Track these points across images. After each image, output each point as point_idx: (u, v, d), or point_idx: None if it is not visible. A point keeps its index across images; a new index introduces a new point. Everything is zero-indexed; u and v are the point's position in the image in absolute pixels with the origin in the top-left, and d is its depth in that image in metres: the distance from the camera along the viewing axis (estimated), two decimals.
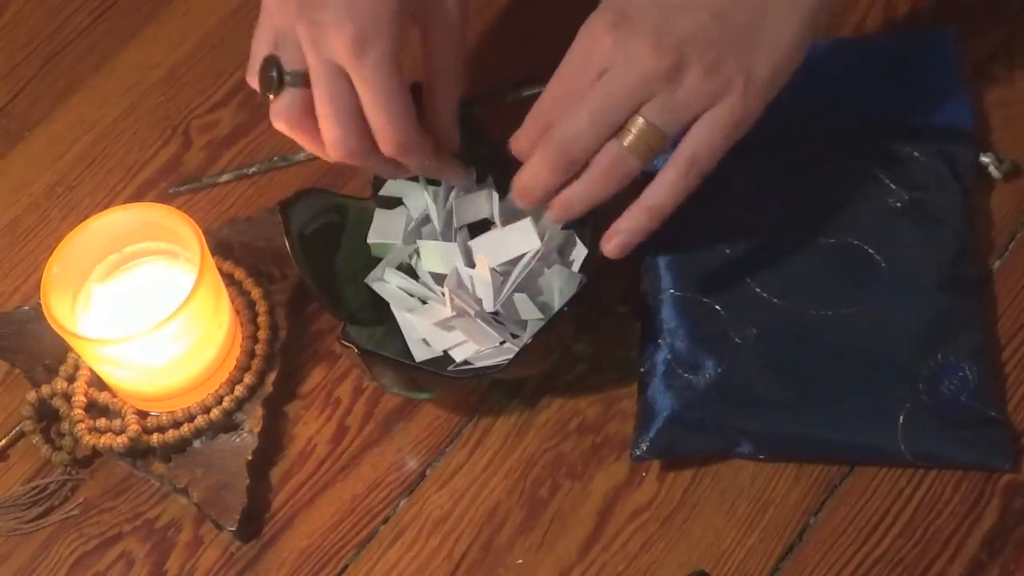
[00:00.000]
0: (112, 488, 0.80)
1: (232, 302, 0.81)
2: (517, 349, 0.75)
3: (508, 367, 0.74)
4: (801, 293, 0.78)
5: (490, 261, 0.76)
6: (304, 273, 0.77)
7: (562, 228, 0.78)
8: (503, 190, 0.79)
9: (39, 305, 0.75)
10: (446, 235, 0.79)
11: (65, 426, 0.80)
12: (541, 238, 0.77)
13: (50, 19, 0.98)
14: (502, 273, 0.77)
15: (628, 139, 0.70)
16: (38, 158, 0.92)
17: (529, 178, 0.73)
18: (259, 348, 0.81)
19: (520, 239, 0.77)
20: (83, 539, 0.79)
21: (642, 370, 0.78)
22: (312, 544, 0.77)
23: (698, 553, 0.75)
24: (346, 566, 0.77)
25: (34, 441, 0.80)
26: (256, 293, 0.83)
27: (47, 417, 0.81)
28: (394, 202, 0.81)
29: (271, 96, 0.73)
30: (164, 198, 0.89)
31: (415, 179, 0.79)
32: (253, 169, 0.90)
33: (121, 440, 0.78)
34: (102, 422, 0.79)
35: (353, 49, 0.69)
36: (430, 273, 0.79)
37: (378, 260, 0.80)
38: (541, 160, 0.72)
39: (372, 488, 0.79)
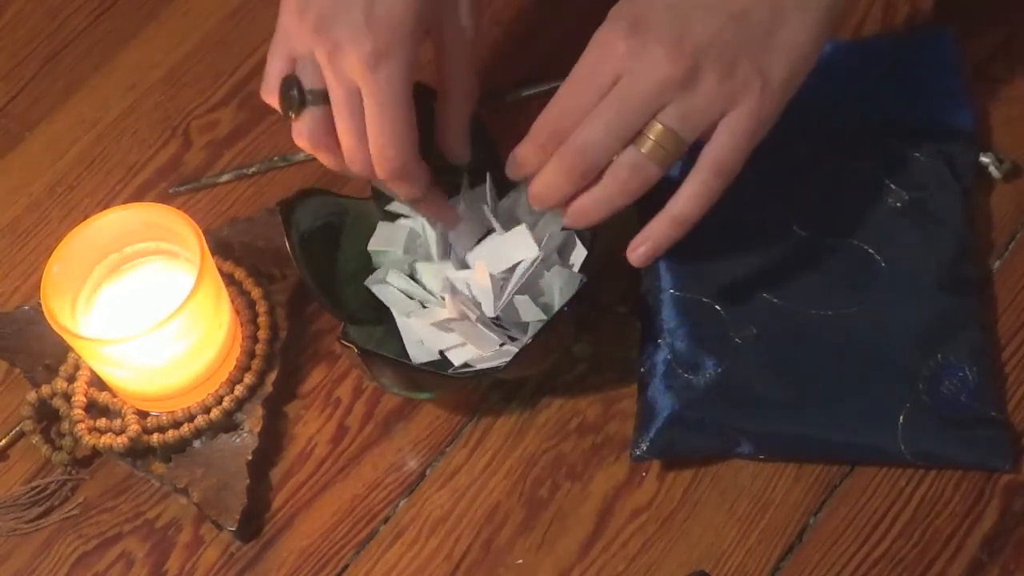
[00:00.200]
0: (112, 488, 0.80)
1: (232, 302, 0.81)
2: (517, 350, 0.75)
3: (508, 367, 0.74)
4: (801, 293, 0.78)
5: (489, 268, 0.76)
6: (304, 273, 0.77)
7: (561, 229, 0.78)
8: (502, 190, 0.79)
9: (39, 305, 0.75)
10: (444, 253, 0.79)
11: (65, 426, 0.80)
12: (539, 243, 0.76)
13: (50, 19, 0.98)
14: (501, 278, 0.77)
15: (647, 146, 0.70)
16: (38, 158, 0.93)
17: (544, 186, 0.72)
18: (259, 348, 0.81)
19: (519, 247, 0.77)
20: (83, 539, 0.79)
21: (642, 370, 0.78)
22: (312, 544, 0.77)
23: (698, 553, 0.75)
24: (346, 566, 0.77)
25: (34, 441, 0.80)
26: (256, 293, 0.83)
27: (47, 417, 0.81)
28: (397, 216, 0.81)
29: (292, 115, 0.73)
30: (164, 198, 0.89)
31: None
32: (253, 169, 0.90)
33: (121, 440, 0.78)
34: (102, 422, 0.79)
35: (368, 64, 0.69)
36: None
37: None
38: (557, 168, 0.71)
39: (372, 488, 0.79)
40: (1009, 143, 0.84)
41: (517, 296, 0.76)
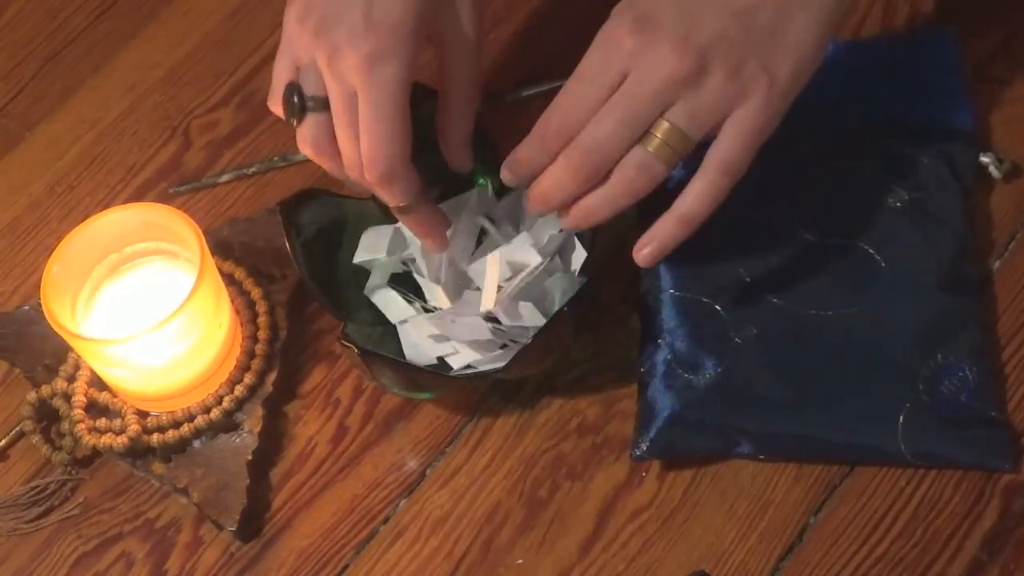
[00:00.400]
0: (112, 488, 0.80)
1: (232, 302, 0.81)
2: (517, 350, 0.75)
3: (508, 367, 0.74)
4: (801, 293, 0.78)
5: (491, 279, 0.76)
6: (304, 273, 0.77)
7: (560, 230, 0.78)
8: (498, 194, 0.79)
9: (39, 305, 0.75)
10: (436, 277, 0.79)
11: (65, 426, 0.80)
12: (539, 248, 0.76)
13: (50, 19, 0.98)
14: (502, 283, 0.77)
15: (653, 144, 0.69)
16: (38, 158, 0.93)
17: (550, 186, 0.71)
18: (259, 348, 0.81)
19: (520, 257, 0.77)
20: (83, 539, 0.79)
21: (642, 370, 0.78)
22: (312, 544, 0.77)
23: (698, 553, 0.75)
24: (346, 566, 0.77)
25: (34, 441, 0.80)
26: (256, 293, 0.83)
27: (47, 417, 0.81)
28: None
29: (295, 122, 0.73)
30: (164, 198, 0.89)
31: None
32: (253, 169, 0.90)
33: (121, 440, 0.78)
34: (102, 422, 0.79)
35: (365, 65, 0.69)
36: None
37: None
38: (564, 167, 0.70)
39: (372, 488, 0.79)
40: (1009, 143, 0.84)
41: (523, 303, 0.76)
